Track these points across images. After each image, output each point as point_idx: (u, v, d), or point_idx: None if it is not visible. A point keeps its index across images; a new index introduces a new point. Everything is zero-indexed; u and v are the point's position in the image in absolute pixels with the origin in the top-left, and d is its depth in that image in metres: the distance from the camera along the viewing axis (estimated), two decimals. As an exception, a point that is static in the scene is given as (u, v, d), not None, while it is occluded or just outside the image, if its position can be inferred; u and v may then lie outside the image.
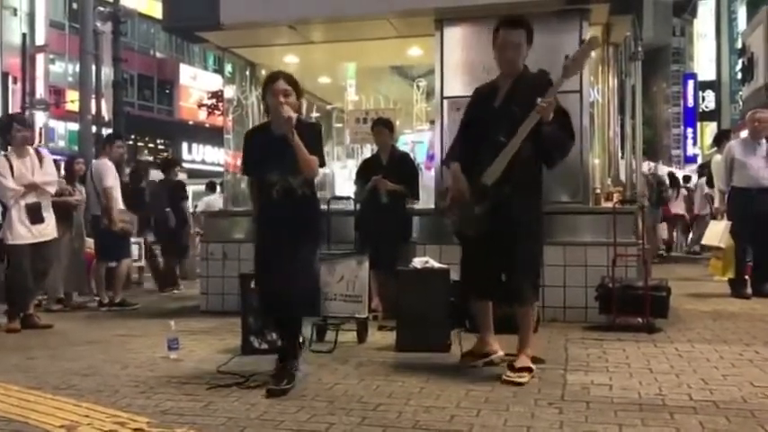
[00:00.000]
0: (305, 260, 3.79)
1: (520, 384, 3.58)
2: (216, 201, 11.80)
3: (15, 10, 27.04)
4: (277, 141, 3.69)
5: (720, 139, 8.59)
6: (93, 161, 7.59)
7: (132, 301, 7.25)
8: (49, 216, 6.01)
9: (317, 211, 4.05)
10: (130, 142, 28.87)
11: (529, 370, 3.71)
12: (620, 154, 7.56)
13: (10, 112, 24.20)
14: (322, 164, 3.81)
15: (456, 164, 3.92)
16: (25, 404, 3.45)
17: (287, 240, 3.74)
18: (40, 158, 6.03)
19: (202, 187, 14.40)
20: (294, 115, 3.65)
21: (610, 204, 5.96)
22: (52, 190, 6.08)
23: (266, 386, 3.58)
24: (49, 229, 5.98)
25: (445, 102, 6.23)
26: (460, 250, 4.11)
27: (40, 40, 27.34)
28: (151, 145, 34.25)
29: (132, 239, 7.72)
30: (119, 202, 7.18)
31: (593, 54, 6.66)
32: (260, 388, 3.63)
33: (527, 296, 3.85)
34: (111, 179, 7.14)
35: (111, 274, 7.33)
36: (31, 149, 6.04)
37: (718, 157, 8.05)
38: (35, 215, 5.84)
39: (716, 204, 7.56)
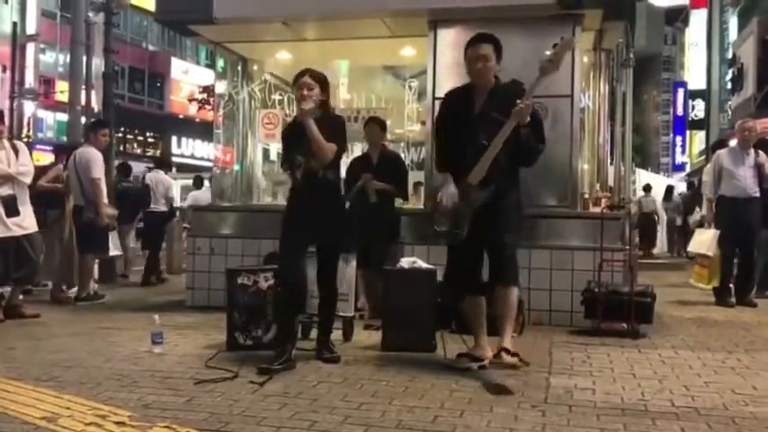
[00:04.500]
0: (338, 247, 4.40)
1: (516, 367, 3.65)
2: (203, 195, 11.72)
3: (7, -2, 26.85)
4: (301, 128, 4.13)
5: (717, 148, 8.62)
6: (79, 149, 7.24)
7: (100, 293, 7.15)
8: (26, 209, 5.91)
9: (338, 195, 4.46)
10: (120, 135, 28.74)
11: (518, 355, 3.75)
12: (609, 160, 7.58)
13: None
14: (341, 150, 4.28)
15: (447, 175, 4.08)
16: (5, 395, 3.42)
17: (323, 224, 4.17)
18: (16, 150, 5.93)
19: (190, 182, 14.33)
20: (310, 105, 4.08)
21: (598, 209, 5.98)
22: (27, 180, 5.98)
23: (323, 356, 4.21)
24: (26, 222, 5.88)
25: (437, 102, 6.22)
26: (448, 250, 4.18)
27: (30, 29, 27.15)
28: (141, 138, 34.10)
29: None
30: (105, 195, 7.04)
31: (584, 59, 6.73)
32: (247, 383, 3.63)
33: (509, 275, 3.96)
34: (99, 170, 6.89)
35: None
36: (6, 142, 5.93)
37: (709, 167, 8.10)
38: (10, 208, 5.75)
39: (703, 212, 7.61)
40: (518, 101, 3.73)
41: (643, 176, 17.70)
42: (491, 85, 4.02)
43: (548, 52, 3.82)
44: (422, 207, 6.28)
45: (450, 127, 4.12)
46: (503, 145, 3.79)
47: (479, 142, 3.85)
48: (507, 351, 3.73)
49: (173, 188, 9.99)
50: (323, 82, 4.26)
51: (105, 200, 7.01)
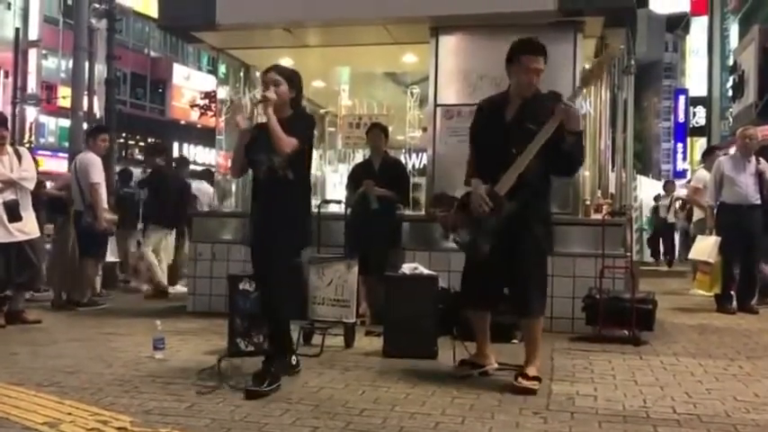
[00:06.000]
0: (285, 254, 3.89)
1: (533, 392, 3.60)
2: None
3: (9, 4, 26.95)
4: (266, 127, 3.82)
5: (708, 155, 8.65)
6: (79, 155, 7.26)
7: (100, 301, 7.14)
8: (28, 214, 5.92)
9: (299, 195, 3.96)
10: (121, 140, 28.79)
11: (539, 380, 3.73)
12: (610, 166, 7.60)
13: (0, 106, 24.10)
14: (304, 144, 3.86)
15: (477, 180, 3.88)
16: (7, 400, 3.42)
17: (269, 226, 3.85)
18: (19, 156, 5.93)
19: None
20: (273, 96, 3.79)
21: (599, 216, 5.99)
22: (30, 186, 5.98)
23: (245, 387, 3.59)
24: (28, 227, 5.88)
25: (438, 109, 6.25)
26: (466, 261, 4.05)
27: (33, 35, 27.22)
28: (142, 144, 34.13)
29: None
30: (104, 200, 7.02)
31: (586, 66, 6.73)
32: (248, 389, 3.63)
33: (535, 308, 3.86)
34: (98, 175, 6.88)
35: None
36: (9, 148, 5.94)
37: (703, 173, 8.11)
38: (13, 213, 5.75)
39: (694, 218, 7.62)
40: (561, 104, 3.59)
41: (644, 183, 17.66)
42: (528, 94, 3.85)
43: (587, 65, 3.78)
44: (422, 213, 6.28)
45: (482, 137, 3.96)
46: (536, 154, 3.64)
47: (510, 151, 3.70)
48: (526, 376, 3.69)
49: (214, 197, 10.09)
50: (291, 78, 3.97)
51: (105, 205, 7.01)
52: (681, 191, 16.34)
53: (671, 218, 13.72)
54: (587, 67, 3.77)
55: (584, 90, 3.74)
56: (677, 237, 14.44)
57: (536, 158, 3.67)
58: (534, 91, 3.85)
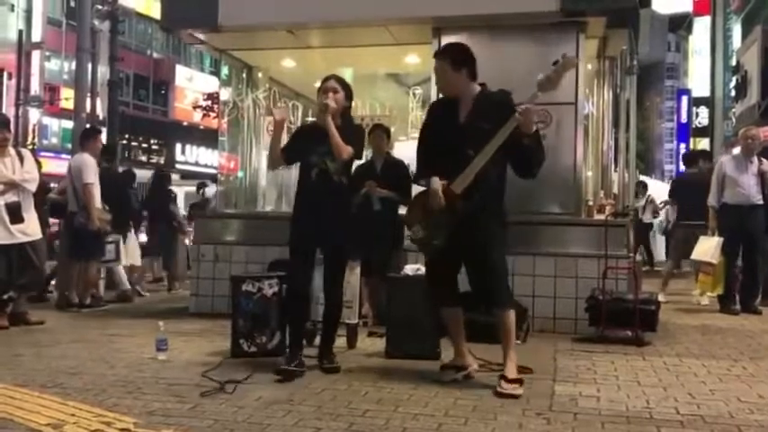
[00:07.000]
0: (347, 255, 4.41)
1: (516, 397, 3.57)
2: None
3: (13, 6, 27.00)
4: (321, 131, 4.13)
5: (687, 159, 8.69)
6: (74, 156, 7.33)
7: (102, 302, 7.15)
8: (30, 216, 5.93)
9: (348, 200, 4.43)
10: (124, 142, 28.84)
11: (521, 381, 3.70)
12: (613, 167, 7.59)
13: (3, 108, 24.15)
14: (358, 156, 4.31)
15: (435, 177, 3.86)
16: (11, 401, 3.43)
17: (327, 228, 4.15)
18: (21, 158, 5.95)
19: (194, 189, 14.34)
20: (333, 104, 4.14)
21: (602, 217, 5.98)
22: (32, 188, 5.98)
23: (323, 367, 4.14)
24: (30, 229, 5.89)
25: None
26: (426, 259, 4.12)
27: (36, 36, 27.26)
28: (145, 145, 34.19)
29: (110, 238, 7.32)
30: (98, 200, 6.99)
31: (589, 67, 6.74)
32: (251, 391, 3.63)
33: (504, 300, 3.87)
34: (92, 175, 6.91)
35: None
36: (12, 150, 5.97)
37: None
38: (15, 215, 5.77)
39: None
40: (520, 107, 3.61)
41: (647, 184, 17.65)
42: (473, 94, 3.89)
43: (551, 68, 3.76)
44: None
45: (434, 137, 3.98)
46: (492, 154, 3.66)
47: (466, 153, 3.73)
48: (506, 379, 3.67)
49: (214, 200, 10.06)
50: (348, 89, 4.32)
51: (98, 205, 7.01)
52: (655, 191, 16.25)
53: (647, 218, 13.75)
54: (545, 74, 3.72)
55: (540, 95, 3.73)
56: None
57: (492, 159, 3.69)
58: (479, 90, 3.91)
